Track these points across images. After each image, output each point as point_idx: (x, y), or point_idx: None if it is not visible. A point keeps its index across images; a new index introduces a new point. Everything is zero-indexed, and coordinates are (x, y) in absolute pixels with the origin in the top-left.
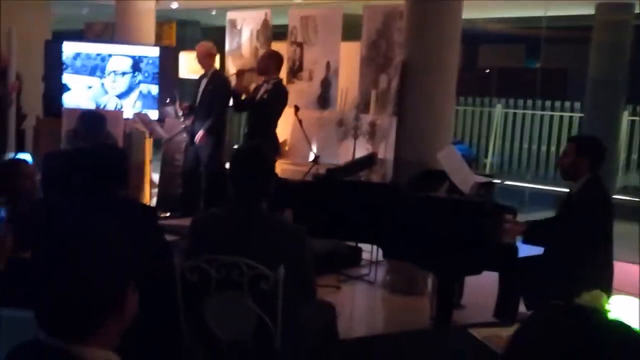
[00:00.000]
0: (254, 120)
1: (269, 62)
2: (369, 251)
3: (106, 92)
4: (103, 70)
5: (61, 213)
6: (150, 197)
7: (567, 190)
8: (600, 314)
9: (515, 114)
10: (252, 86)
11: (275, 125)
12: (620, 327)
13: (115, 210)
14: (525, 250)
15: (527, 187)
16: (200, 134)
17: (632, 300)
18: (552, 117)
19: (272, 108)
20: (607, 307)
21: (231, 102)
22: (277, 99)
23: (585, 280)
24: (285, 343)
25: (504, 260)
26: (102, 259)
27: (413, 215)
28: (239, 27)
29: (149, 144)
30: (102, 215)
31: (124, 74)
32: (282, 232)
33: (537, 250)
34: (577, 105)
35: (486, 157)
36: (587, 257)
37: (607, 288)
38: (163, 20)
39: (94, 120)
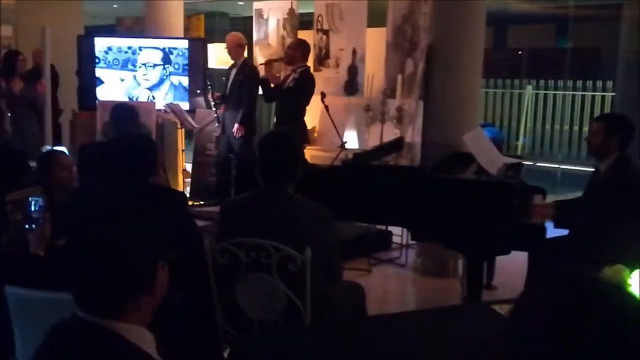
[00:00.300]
0: (282, 109)
1: (295, 52)
2: (399, 234)
3: (138, 85)
4: (134, 64)
5: (94, 199)
6: (183, 186)
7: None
8: (596, 279)
9: (546, 95)
10: (281, 75)
11: (303, 113)
12: (616, 290)
13: (145, 195)
14: (554, 231)
15: (558, 168)
16: (235, 127)
17: None
18: (583, 97)
19: (299, 96)
20: (628, 281)
21: (260, 92)
22: (304, 86)
23: (613, 258)
24: (315, 322)
25: (532, 240)
26: (132, 237)
27: (440, 197)
28: (265, 17)
29: (180, 134)
30: (133, 199)
31: (154, 66)
32: (309, 214)
33: (564, 232)
34: (609, 84)
35: (517, 139)
36: (615, 234)
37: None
38: (192, 12)
39: (126, 112)
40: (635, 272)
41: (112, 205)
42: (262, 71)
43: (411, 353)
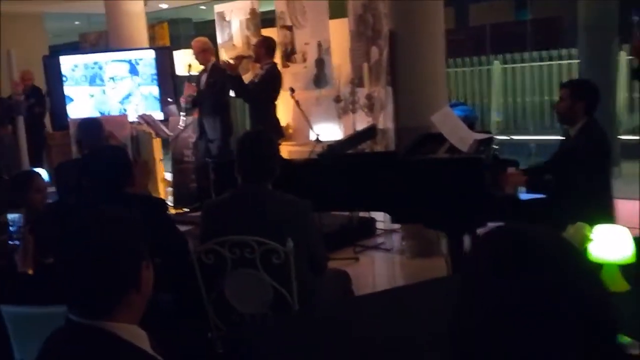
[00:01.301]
0: (251, 106)
1: (260, 49)
2: (382, 220)
3: (108, 99)
4: (102, 79)
5: (73, 212)
6: (166, 195)
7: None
8: (533, 231)
9: (514, 68)
10: (250, 74)
11: (273, 108)
12: (552, 237)
13: (124, 204)
14: (529, 195)
15: (532, 139)
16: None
17: (620, 228)
18: (550, 66)
19: (264, 91)
20: (590, 237)
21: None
22: (269, 82)
23: (583, 216)
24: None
25: (506, 210)
26: (113, 239)
27: (414, 178)
28: (227, 19)
29: (157, 143)
30: (110, 208)
31: (122, 79)
32: (289, 208)
33: (540, 195)
34: (574, 51)
35: (491, 115)
36: (588, 196)
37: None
38: (155, 21)
39: (90, 127)
40: (596, 228)
41: (90, 213)
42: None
43: (397, 327)
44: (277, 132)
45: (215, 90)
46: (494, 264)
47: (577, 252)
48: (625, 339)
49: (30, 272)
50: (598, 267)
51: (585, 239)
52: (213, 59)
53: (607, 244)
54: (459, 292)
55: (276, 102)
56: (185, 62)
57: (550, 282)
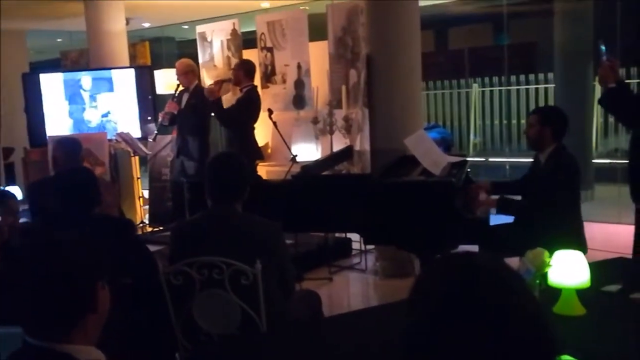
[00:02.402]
0: (230, 129)
1: (239, 72)
2: (358, 241)
3: (87, 117)
4: (82, 96)
5: (34, 234)
6: (142, 213)
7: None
8: (477, 257)
9: (491, 91)
10: (230, 95)
11: (251, 130)
12: (493, 266)
13: (90, 226)
14: (499, 219)
15: (507, 161)
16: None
17: (577, 253)
18: (527, 90)
19: (242, 114)
20: (549, 262)
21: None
22: (246, 105)
23: (554, 242)
24: (272, 331)
25: (477, 233)
26: (66, 262)
27: (386, 200)
28: (209, 39)
29: (134, 161)
30: (69, 230)
31: (102, 97)
32: (258, 229)
33: (510, 219)
34: (550, 76)
35: (469, 138)
36: (556, 221)
37: (580, 248)
38: (137, 39)
39: (68, 145)
40: (556, 254)
41: (45, 236)
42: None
43: (367, 347)
44: (256, 154)
45: (196, 111)
46: (444, 290)
47: (518, 277)
48: None
49: None
50: (556, 291)
51: (544, 264)
52: (196, 81)
53: (564, 269)
54: (409, 313)
55: (255, 125)
56: (169, 81)
57: (495, 304)
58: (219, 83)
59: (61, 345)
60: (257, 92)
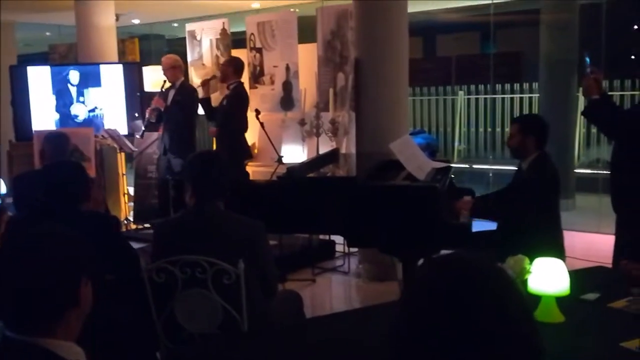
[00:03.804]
0: (220, 127)
1: (227, 69)
2: (341, 243)
3: (74, 112)
4: (69, 91)
5: (19, 228)
6: (127, 210)
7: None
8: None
9: (477, 99)
10: (218, 94)
11: (241, 128)
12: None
13: (75, 221)
14: (481, 225)
15: (490, 168)
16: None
17: (557, 261)
18: (512, 99)
19: (233, 112)
20: (529, 269)
21: (202, 111)
22: (236, 103)
23: (534, 250)
24: (253, 331)
25: (458, 238)
26: (50, 257)
27: (370, 203)
28: (198, 38)
29: (120, 158)
30: (55, 225)
31: (89, 92)
32: (240, 228)
33: (492, 226)
34: (535, 85)
35: (454, 144)
36: (537, 229)
37: (558, 256)
38: (126, 36)
39: (57, 140)
40: (536, 261)
41: (29, 230)
42: (201, 92)
43: (348, 350)
44: (245, 153)
45: (181, 108)
46: (436, 291)
47: (511, 281)
48: None
49: None
50: (536, 298)
51: (524, 271)
52: (182, 77)
53: (544, 276)
54: (400, 312)
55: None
56: (157, 78)
57: (487, 307)
58: (205, 83)
59: (42, 340)
60: (244, 88)
